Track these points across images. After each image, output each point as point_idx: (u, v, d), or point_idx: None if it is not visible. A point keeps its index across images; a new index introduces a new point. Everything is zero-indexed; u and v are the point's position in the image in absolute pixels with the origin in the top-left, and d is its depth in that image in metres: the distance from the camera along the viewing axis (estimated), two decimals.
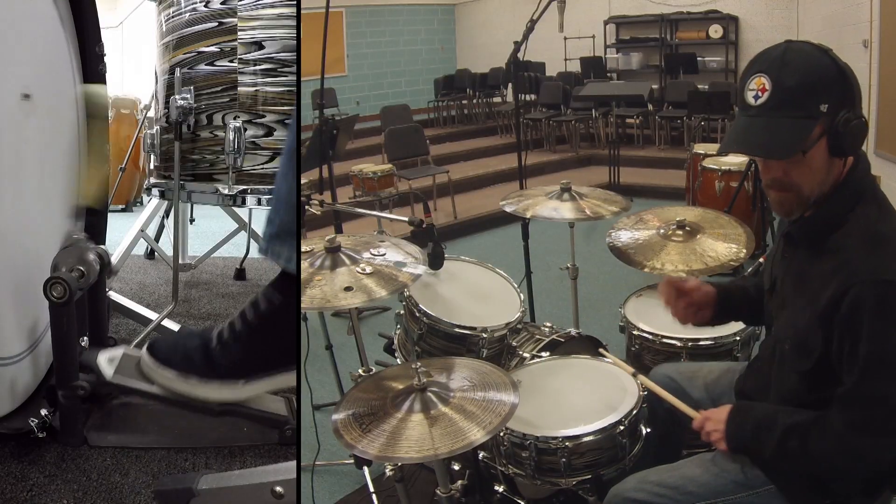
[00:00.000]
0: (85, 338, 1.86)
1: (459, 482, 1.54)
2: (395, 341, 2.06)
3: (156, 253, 3.67)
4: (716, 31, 7.57)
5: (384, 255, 1.57)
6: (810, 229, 1.22)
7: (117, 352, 1.79)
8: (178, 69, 2.35)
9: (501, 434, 1.56)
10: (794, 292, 1.25)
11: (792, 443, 1.19)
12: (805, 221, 1.23)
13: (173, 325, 2.47)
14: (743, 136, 1.18)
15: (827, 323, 1.14)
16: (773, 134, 1.14)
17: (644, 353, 1.93)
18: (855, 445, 1.13)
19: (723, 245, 2.02)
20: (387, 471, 1.71)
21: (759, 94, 1.15)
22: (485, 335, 1.86)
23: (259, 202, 2.30)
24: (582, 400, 1.66)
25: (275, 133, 2.29)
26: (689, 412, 1.42)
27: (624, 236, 2.14)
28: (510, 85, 8.35)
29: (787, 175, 1.18)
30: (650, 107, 7.32)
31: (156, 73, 2.59)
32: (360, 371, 1.84)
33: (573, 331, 2.03)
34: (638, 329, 1.93)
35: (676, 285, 1.49)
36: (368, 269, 1.50)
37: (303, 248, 1.60)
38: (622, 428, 1.54)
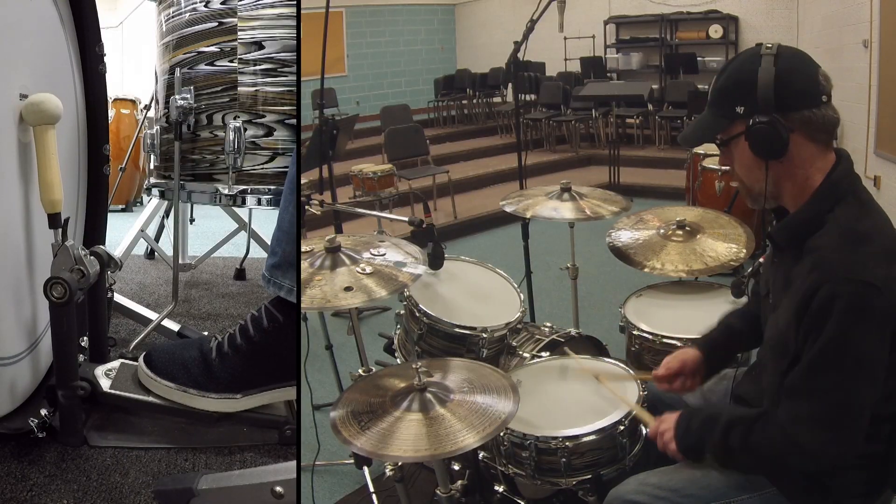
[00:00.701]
0: (85, 338, 1.86)
1: (459, 482, 1.54)
2: (395, 341, 2.06)
3: (156, 253, 3.67)
4: (716, 31, 7.57)
5: (384, 255, 1.57)
6: (789, 231, 1.23)
7: (114, 364, 1.81)
8: (178, 69, 2.35)
9: (501, 434, 1.56)
10: (780, 296, 1.25)
11: (734, 436, 1.20)
12: (783, 223, 1.24)
13: (173, 325, 2.47)
14: (687, 127, 1.32)
15: (799, 320, 1.13)
16: (696, 126, 1.29)
17: (644, 354, 1.93)
18: (796, 438, 1.13)
19: (723, 245, 2.03)
20: (387, 471, 1.71)
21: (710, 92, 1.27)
22: (485, 335, 1.86)
23: (259, 202, 2.30)
24: (582, 400, 1.66)
25: (275, 133, 2.29)
26: (647, 419, 1.44)
27: (624, 236, 2.15)
28: (510, 85, 8.35)
29: (731, 164, 1.27)
30: (650, 107, 7.32)
31: (156, 73, 2.60)
32: (360, 371, 1.84)
33: (573, 331, 2.03)
34: (638, 329, 1.93)
35: (666, 374, 1.49)
36: (368, 269, 1.50)
37: (303, 248, 1.60)
38: (622, 428, 1.54)
